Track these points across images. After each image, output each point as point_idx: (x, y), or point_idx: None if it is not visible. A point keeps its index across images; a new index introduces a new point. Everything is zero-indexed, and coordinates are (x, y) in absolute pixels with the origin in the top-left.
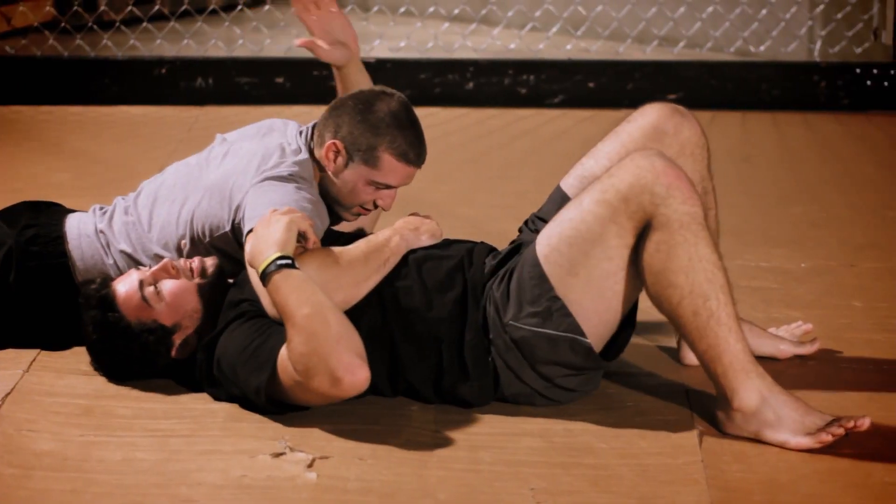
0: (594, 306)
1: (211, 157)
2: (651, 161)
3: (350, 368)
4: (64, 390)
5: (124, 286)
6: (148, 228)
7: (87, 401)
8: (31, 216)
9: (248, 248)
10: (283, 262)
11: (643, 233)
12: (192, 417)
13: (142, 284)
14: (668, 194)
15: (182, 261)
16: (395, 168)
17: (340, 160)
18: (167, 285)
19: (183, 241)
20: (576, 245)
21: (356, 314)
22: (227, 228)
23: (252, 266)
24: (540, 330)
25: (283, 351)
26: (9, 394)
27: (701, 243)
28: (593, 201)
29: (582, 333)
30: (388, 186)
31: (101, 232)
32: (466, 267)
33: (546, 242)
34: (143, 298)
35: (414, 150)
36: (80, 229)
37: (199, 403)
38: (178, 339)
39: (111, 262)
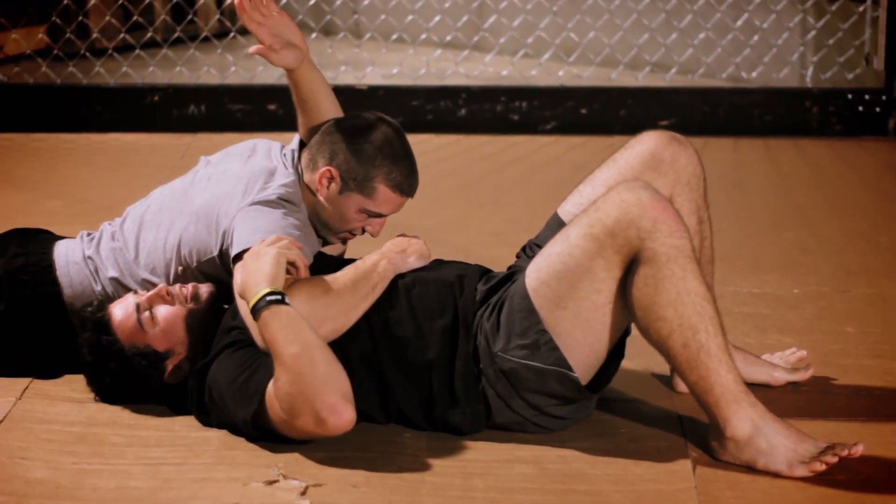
0: (583, 338)
1: (196, 180)
2: (637, 194)
3: (335, 410)
4: (57, 418)
5: (120, 310)
6: (135, 254)
7: (80, 428)
8: (20, 244)
9: (237, 279)
10: (273, 297)
11: (631, 266)
12: (185, 445)
13: (137, 309)
14: (655, 228)
15: (177, 286)
16: (390, 198)
17: (334, 187)
18: (161, 311)
19: (170, 266)
20: (564, 278)
21: (346, 341)
22: (215, 254)
23: (242, 298)
24: (528, 362)
25: (271, 386)
26: (1, 421)
27: (689, 276)
28: (580, 235)
29: (569, 367)
30: (379, 215)
31: (90, 258)
32: (457, 294)
33: (535, 276)
34: (138, 323)
35: (408, 180)
36: (68, 256)
37: (191, 431)
38: (170, 365)
39: (99, 288)
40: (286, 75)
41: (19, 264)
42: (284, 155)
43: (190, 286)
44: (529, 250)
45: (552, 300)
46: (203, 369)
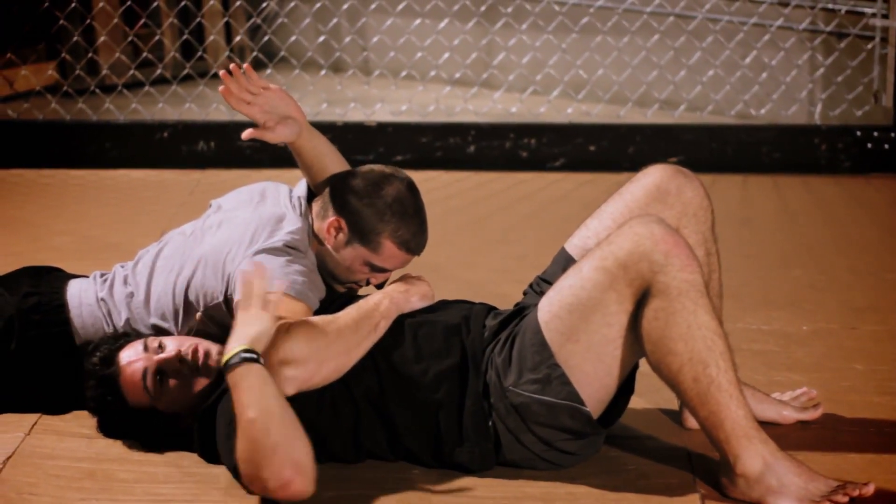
0: (594, 372)
1: (206, 226)
2: (650, 228)
3: (282, 482)
4: (65, 453)
5: (129, 369)
6: (145, 299)
7: (88, 464)
8: (32, 283)
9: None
10: (247, 355)
11: (642, 300)
12: (193, 482)
13: (146, 373)
14: (667, 262)
15: (190, 350)
16: (395, 255)
17: (341, 237)
18: (171, 380)
19: (179, 312)
20: (576, 311)
21: (352, 381)
22: (220, 299)
23: (240, 340)
24: (539, 397)
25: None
26: (10, 457)
27: (700, 310)
28: (593, 268)
29: (581, 402)
30: (384, 269)
31: (103, 300)
32: (464, 333)
33: (547, 309)
34: (146, 388)
35: (416, 239)
36: (81, 298)
37: (200, 467)
38: (174, 423)
39: (111, 330)
40: (288, 146)
41: (31, 304)
42: (293, 201)
43: (202, 352)
44: (537, 286)
45: (564, 333)
46: (208, 412)
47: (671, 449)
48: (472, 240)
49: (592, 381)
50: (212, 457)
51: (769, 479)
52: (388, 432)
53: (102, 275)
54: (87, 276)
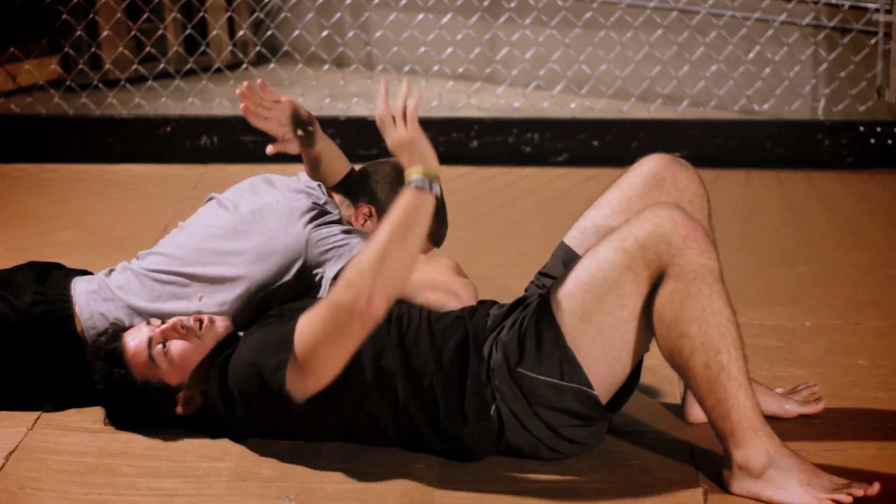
0: (603, 355)
1: (240, 219)
2: (670, 213)
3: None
4: (68, 448)
5: (133, 342)
6: (167, 300)
7: (91, 459)
8: (38, 289)
9: (419, 149)
10: (419, 180)
11: (658, 282)
12: (196, 476)
13: (150, 343)
14: (685, 245)
15: (192, 320)
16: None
17: (370, 224)
18: (175, 346)
19: (226, 305)
20: (591, 291)
21: (373, 352)
22: (288, 279)
23: (413, 163)
24: (547, 379)
25: (303, 318)
26: (13, 451)
27: (715, 296)
28: (611, 248)
29: (589, 385)
30: None
31: (112, 303)
32: (468, 315)
33: (560, 290)
34: (151, 358)
35: (440, 229)
36: (91, 306)
37: (203, 462)
38: (182, 398)
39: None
40: (301, 153)
41: (40, 312)
42: (311, 188)
43: (206, 319)
44: (537, 281)
45: (576, 313)
46: (226, 360)
47: (674, 443)
48: (475, 235)
49: (600, 365)
50: (230, 402)
51: (772, 473)
52: (395, 406)
53: (110, 271)
54: (89, 273)
